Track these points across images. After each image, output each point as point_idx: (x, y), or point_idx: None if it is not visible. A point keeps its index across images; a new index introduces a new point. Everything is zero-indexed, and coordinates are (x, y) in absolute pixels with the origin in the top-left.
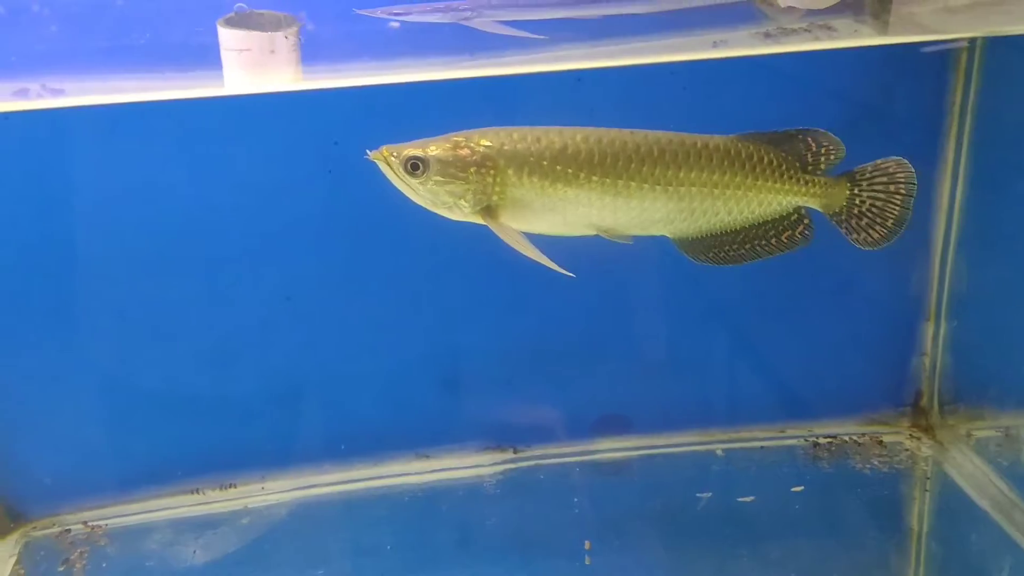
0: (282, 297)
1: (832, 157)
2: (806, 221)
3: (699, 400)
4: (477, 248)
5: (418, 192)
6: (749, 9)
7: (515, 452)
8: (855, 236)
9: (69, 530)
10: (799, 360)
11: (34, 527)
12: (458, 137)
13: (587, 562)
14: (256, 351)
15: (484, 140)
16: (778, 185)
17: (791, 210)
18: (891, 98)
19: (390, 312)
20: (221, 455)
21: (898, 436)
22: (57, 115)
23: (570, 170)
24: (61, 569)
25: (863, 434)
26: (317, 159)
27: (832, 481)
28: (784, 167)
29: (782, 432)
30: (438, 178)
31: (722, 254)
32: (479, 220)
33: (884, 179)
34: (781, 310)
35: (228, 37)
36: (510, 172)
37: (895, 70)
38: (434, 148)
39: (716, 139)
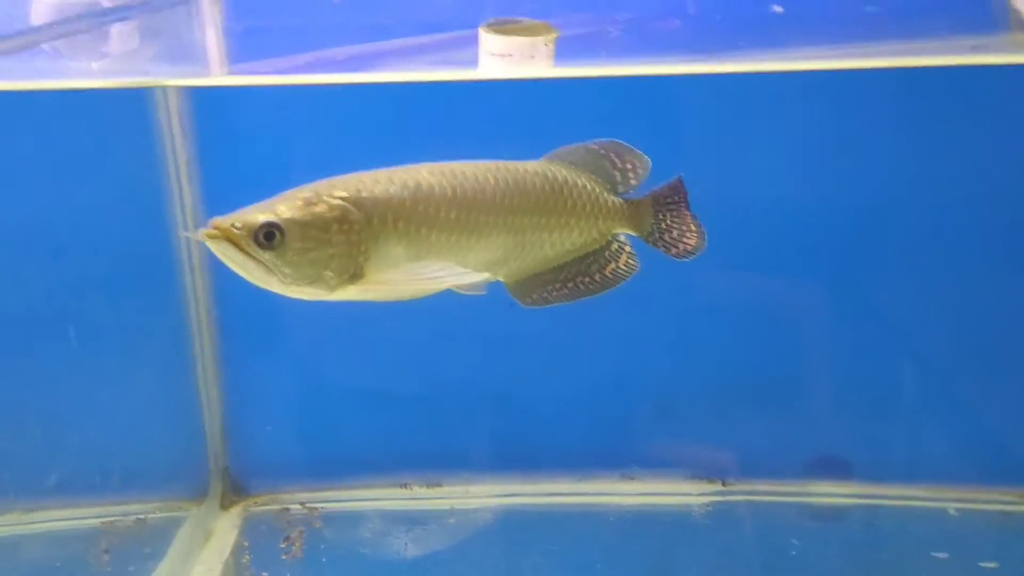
0: (505, 304)
1: (640, 172)
2: (627, 249)
3: (929, 452)
4: (702, 272)
5: (275, 268)
6: None
7: (724, 484)
8: (673, 251)
9: (288, 509)
10: None
11: (255, 502)
12: (304, 193)
13: None
14: (473, 357)
15: (336, 191)
16: (591, 211)
17: (609, 239)
18: None
19: (609, 330)
20: (429, 454)
21: None
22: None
23: (431, 209)
24: (282, 545)
25: None
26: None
27: None
28: (596, 191)
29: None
30: (298, 245)
31: (547, 295)
32: (342, 295)
33: (669, 191)
34: None
35: (490, 42)
36: (375, 222)
37: None
38: (284, 208)
39: (532, 164)
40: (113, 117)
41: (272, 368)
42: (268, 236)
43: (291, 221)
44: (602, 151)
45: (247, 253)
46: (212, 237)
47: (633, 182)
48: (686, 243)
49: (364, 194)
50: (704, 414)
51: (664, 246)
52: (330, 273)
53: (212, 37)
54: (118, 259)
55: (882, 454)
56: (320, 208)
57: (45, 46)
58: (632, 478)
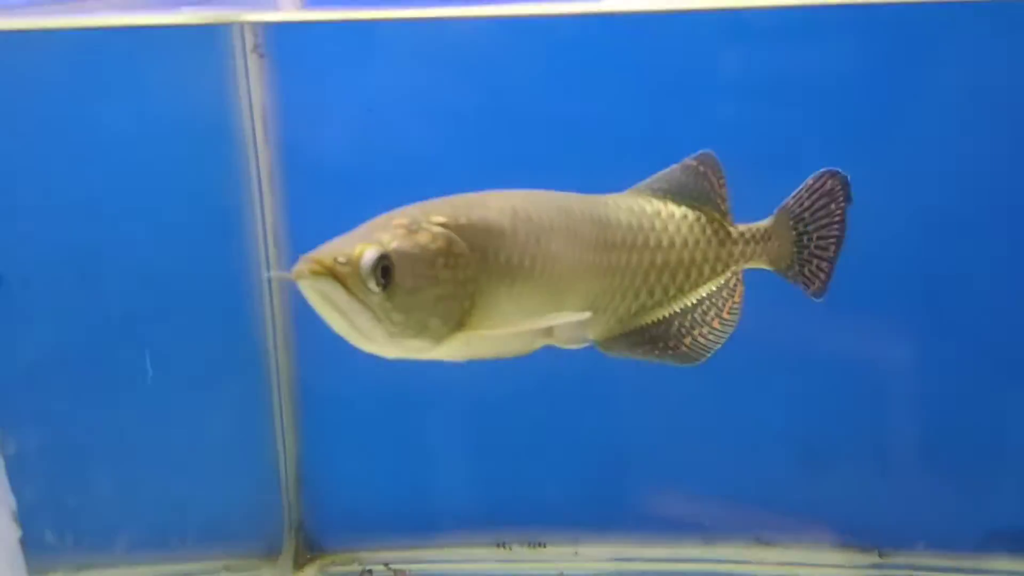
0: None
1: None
2: (742, 280)
3: None
4: (856, 302)
5: (383, 315)
6: None
7: (880, 556)
8: (817, 285)
9: (370, 571)
10: None
11: (332, 562)
12: (400, 219)
13: None
14: (582, 398)
15: (434, 216)
16: (693, 246)
17: (724, 277)
18: None
19: (742, 367)
20: (531, 509)
21: None
22: None
23: (531, 240)
24: None
25: None
26: None
27: None
28: (700, 220)
29: None
30: (408, 284)
31: (656, 351)
32: (445, 351)
33: (826, 199)
34: None
35: None
36: (477, 255)
37: None
38: (388, 238)
39: (620, 198)
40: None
41: (354, 408)
42: (383, 272)
43: (401, 254)
44: (701, 168)
45: (355, 296)
46: (315, 275)
47: (723, 206)
48: (820, 278)
49: (463, 220)
50: (857, 470)
51: (807, 279)
52: (437, 321)
53: None
54: (190, 284)
55: None
56: (423, 238)
57: None
58: (768, 544)
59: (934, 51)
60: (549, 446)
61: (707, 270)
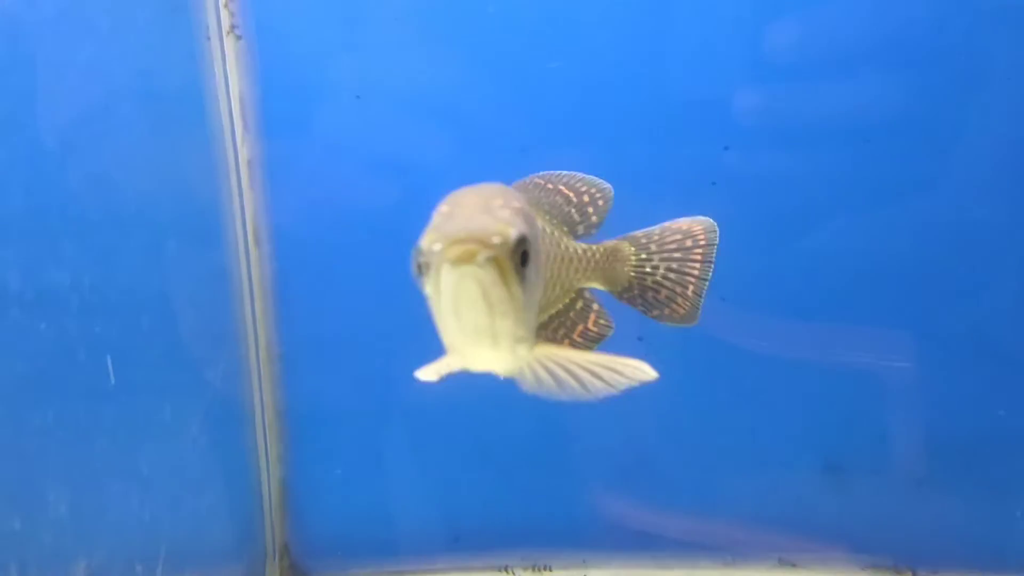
0: (633, 337)
1: (601, 204)
2: (595, 307)
3: None
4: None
5: (517, 311)
6: None
7: None
8: (654, 313)
9: None
10: None
11: None
12: (498, 200)
13: None
14: (589, 413)
15: (515, 201)
16: (547, 260)
17: (572, 297)
18: None
19: (763, 376)
20: (534, 529)
21: None
22: None
23: (543, 230)
24: None
25: None
26: None
27: None
28: (553, 234)
29: None
30: (531, 275)
31: None
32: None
33: (680, 236)
34: None
35: None
36: (537, 248)
37: None
38: (510, 214)
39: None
40: None
41: (342, 426)
42: (524, 258)
43: (530, 239)
44: (550, 185)
45: (507, 288)
46: (489, 262)
47: (595, 219)
48: (675, 309)
49: (525, 207)
50: (888, 482)
51: (644, 306)
52: (533, 320)
53: None
54: (165, 290)
55: None
56: (527, 223)
57: None
58: (793, 565)
59: None
60: (555, 462)
61: (558, 289)
